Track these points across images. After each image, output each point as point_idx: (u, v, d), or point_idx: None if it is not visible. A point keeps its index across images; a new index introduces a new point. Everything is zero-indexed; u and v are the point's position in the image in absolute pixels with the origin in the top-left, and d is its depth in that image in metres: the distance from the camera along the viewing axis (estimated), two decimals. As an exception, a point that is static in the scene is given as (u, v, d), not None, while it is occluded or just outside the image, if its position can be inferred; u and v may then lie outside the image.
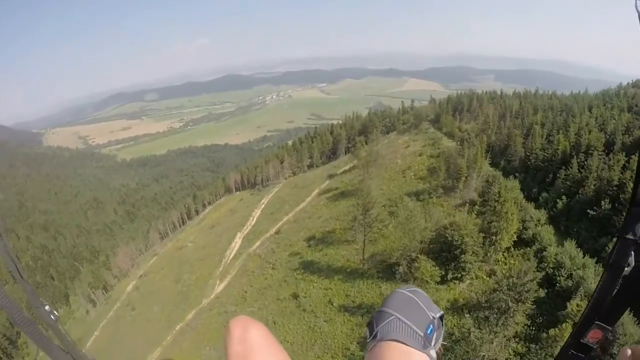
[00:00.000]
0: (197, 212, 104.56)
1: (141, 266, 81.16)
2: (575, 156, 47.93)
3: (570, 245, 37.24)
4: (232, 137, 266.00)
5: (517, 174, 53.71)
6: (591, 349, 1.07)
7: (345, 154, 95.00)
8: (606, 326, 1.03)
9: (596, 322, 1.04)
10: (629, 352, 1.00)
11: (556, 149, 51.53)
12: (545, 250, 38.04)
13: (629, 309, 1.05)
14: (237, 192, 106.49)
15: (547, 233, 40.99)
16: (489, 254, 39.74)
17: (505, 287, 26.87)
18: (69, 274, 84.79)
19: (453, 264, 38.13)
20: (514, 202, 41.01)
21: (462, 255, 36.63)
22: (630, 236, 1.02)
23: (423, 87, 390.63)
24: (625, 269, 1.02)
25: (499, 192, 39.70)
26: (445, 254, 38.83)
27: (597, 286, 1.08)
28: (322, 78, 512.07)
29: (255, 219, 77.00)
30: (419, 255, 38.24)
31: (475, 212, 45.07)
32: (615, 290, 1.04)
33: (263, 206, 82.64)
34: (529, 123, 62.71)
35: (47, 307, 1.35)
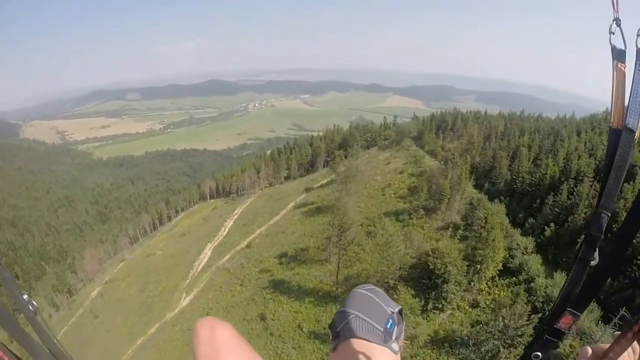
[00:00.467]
0: (169, 218, 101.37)
1: (108, 271, 77.70)
2: (564, 182, 45.80)
3: (560, 277, 34.56)
4: (212, 143, 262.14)
5: (502, 198, 51.28)
6: (563, 333, 1.17)
7: (324, 167, 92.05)
8: (576, 312, 1.13)
9: (568, 309, 1.13)
10: (590, 351, 1.08)
11: (544, 174, 49.46)
12: (533, 281, 35.47)
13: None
14: (212, 200, 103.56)
15: (535, 262, 38.49)
16: (472, 283, 36.74)
17: (497, 331, 23.38)
18: (34, 273, 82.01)
19: (434, 293, 34.89)
20: (500, 228, 38.14)
21: (445, 285, 33.33)
22: (595, 233, 1.12)
23: (405, 104, 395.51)
24: (592, 262, 1.12)
25: (485, 217, 36.83)
26: (426, 281, 35.59)
27: (567, 277, 1.18)
28: (306, 89, 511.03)
29: (227, 229, 73.91)
30: (397, 283, 34.72)
31: (459, 237, 42.23)
32: (583, 281, 1.14)
33: (236, 216, 79.36)
34: (515, 145, 60.84)
35: (25, 297, 1.28)
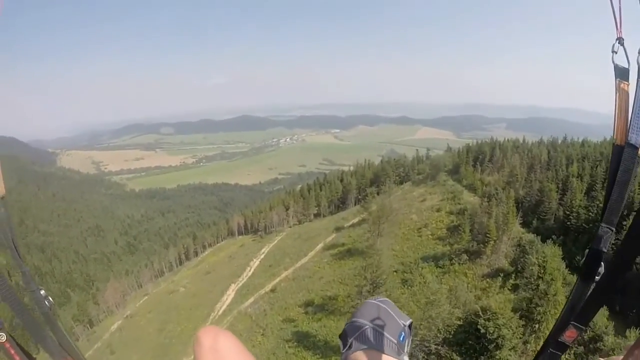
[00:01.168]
0: (196, 254, 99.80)
1: (130, 305, 76.89)
2: (627, 216, 39.90)
3: (634, 335, 28.83)
4: (243, 177, 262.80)
5: (554, 237, 45.28)
6: (567, 347, 1.17)
7: (355, 204, 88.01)
8: (580, 326, 1.12)
9: (572, 323, 1.13)
10: None
11: (602, 207, 43.45)
12: (600, 340, 29.69)
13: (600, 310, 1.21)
14: (240, 237, 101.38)
15: (601, 317, 32.50)
16: (528, 345, 31.31)
17: None
18: (58, 299, 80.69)
19: (483, 359, 29.67)
20: (560, 278, 32.87)
21: (497, 351, 28.18)
22: (599, 248, 1.15)
23: (435, 136, 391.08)
24: (596, 276, 1.15)
25: (542, 265, 31.78)
26: (473, 343, 30.47)
27: (571, 291, 1.21)
28: (336, 124, 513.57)
29: (252, 269, 71.12)
30: (438, 347, 29.83)
31: (509, 287, 37.12)
32: (588, 295, 1.15)
33: (263, 256, 76.57)
34: (564, 175, 55.04)
35: (42, 292, 1.27)
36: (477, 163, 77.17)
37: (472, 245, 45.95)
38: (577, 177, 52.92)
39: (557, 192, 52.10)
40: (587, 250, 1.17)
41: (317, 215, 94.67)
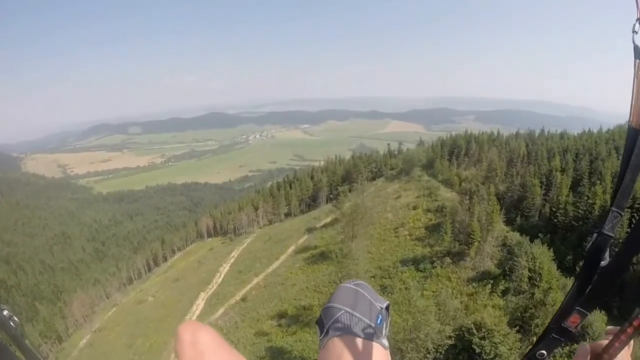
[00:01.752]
0: (165, 259, 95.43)
1: (98, 317, 72.91)
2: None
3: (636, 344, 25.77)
4: (213, 176, 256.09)
5: (541, 235, 42.41)
6: (570, 332, 1.14)
7: (327, 202, 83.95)
8: (585, 311, 1.10)
9: (576, 308, 1.11)
10: (588, 348, 1.11)
11: (591, 203, 40.94)
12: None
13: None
14: (209, 239, 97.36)
15: (599, 321, 29.70)
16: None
17: None
18: (26, 314, 76.86)
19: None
20: (557, 284, 29.74)
21: (494, 371, 24.62)
22: (608, 232, 1.11)
23: (405, 129, 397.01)
24: (602, 261, 1.11)
25: (535, 270, 28.52)
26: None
27: (577, 276, 1.17)
28: (306, 119, 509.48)
29: (222, 276, 66.95)
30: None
31: (499, 293, 33.90)
32: (594, 280, 1.12)
33: (232, 260, 72.51)
34: (547, 170, 52.32)
35: (5, 312, 1.16)
36: (453, 157, 74.16)
37: (454, 247, 42.69)
38: (561, 172, 50.39)
39: (540, 187, 49.47)
40: (594, 234, 1.13)
41: (287, 215, 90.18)
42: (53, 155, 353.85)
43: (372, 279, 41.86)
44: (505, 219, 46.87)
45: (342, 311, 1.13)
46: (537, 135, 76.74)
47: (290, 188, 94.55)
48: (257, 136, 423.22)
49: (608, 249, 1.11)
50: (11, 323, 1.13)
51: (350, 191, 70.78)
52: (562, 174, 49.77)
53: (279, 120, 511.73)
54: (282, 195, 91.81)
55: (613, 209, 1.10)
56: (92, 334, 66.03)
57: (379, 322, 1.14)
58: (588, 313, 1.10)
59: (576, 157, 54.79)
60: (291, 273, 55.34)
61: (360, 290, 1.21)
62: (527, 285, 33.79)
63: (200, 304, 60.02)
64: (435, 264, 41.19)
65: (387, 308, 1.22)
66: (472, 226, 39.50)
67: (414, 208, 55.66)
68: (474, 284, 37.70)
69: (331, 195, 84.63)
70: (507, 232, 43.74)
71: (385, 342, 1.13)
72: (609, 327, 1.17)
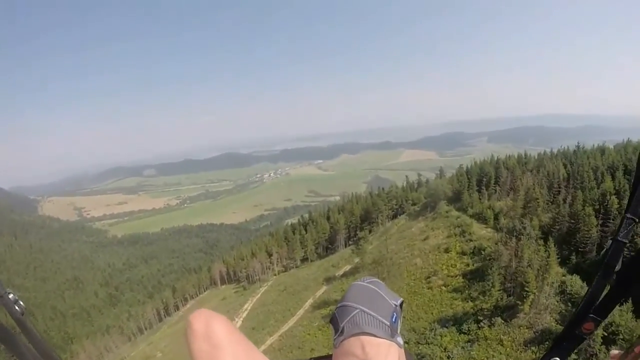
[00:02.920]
0: (176, 308, 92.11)
1: None
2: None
3: None
4: (229, 216, 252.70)
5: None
6: (584, 339, 1.15)
7: (345, 245, 76.92)
8: (599, 318, 1.11)
9: (590, 315, 1.11)
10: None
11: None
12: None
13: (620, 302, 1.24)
14: (222, 286, 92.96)
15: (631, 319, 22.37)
16: None
17: None
18: None
19: None
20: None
21: None
22: (623, 239, 1.11)
23: (419, 157, 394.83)
24: (617, 268, 1.11)
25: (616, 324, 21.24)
26: None
27: (592, 283, 1.16)
28: (319, 154, 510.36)
29: None
30: None
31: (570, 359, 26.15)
32: (608, 287, 1.12)
33: (245, 314, 67.36)
34: (598, 194, 44.66)
35: (11, 296, 1.16)
36: (482, 186, 66.68)
37: (501, 298, 35.39)
38: (616, 194, 42.88)
39: (595, 215, 41.97)
40: (610, 241, 1.13)
41: (304, 260, 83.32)
42: (70, 198, 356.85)
43: (406, 344, 34.42)
44: (558, 258, 39.38)
45: (357, 310, 1.10)
46: (572, 152, 68.75)
47: (306, 231, 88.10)
48: (271, 174, 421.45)
49: (622, 256, 1.11)
50: (16, 307, 1.14)
51: (370, 232, 63.86)
52: (617, 198, 42.26)
53: (293, 157, 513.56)
54: (297, 240, 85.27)
55: (628, 215, 1.10)
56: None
57: (393, 320, 1.11)
58: (602, 320, 1.11)
59: (624, 173, 47.14)
60: (309, 334, 48.88)
61: (375, 287, 1.17)
62: (599, 346, 26.50)
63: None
64: (481, 323, 33.88)
65: (400, 305, 1.19)
66: (525, 275, 32.32)
67: (446, 251, 48.67)
68: (533, 347, 30.26)
69: (350, 238, 77.79)
70: (564, 276, 36.35)
71: (400, 340, 1.12)
72: (613, 351, 1.18)
